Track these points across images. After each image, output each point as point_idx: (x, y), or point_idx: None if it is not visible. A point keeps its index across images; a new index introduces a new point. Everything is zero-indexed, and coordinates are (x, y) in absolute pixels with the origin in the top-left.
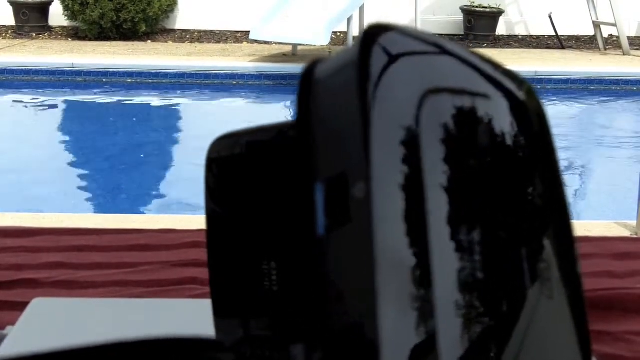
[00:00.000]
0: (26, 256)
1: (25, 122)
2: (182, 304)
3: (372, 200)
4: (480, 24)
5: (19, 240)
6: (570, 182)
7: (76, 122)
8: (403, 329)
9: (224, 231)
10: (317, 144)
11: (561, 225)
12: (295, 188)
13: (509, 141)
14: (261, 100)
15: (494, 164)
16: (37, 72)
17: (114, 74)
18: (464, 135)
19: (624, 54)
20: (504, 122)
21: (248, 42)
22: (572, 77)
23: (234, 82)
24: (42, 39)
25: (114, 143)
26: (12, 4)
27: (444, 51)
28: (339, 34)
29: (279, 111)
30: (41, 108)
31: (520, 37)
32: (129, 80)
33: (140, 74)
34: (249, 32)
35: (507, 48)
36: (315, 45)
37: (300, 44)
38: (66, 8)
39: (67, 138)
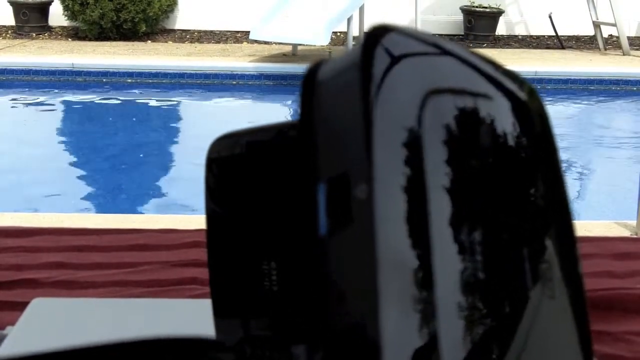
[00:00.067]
0: (26, 256)
1: (25, 122)
2: (182, 304)
3: (374, 201)
4: (480, 24)
5: (18, 240)
6: (571, 182)
7: (76, 122)
8: (405, 329)
9: (224, 231)
10: (320, 145)
11: (563, 225)
12: (295, 188)
13: (510, 142)
14: (261, 100)
15: (495, 165)
16: (37, 72)
17: (114, 74)
18: (465, 136)
19: (623, 54)
20: (505, 122)
21: (248, 42)
22: (572, 77)
23: (234, 82)
24: (42, 39)
25: (113, 143)
26: (12, 4)
27: (445, 52)
28: (339, 34)
29: (279, 111)
30: (41, 108)
31: (520, 37)
32: (129, 80)
33: (140, 74)
34: (249, 32)
35: (507, 48)
36: (315, 45)
37: (300, 44)
38: (66, 8)
39: (67, 138)
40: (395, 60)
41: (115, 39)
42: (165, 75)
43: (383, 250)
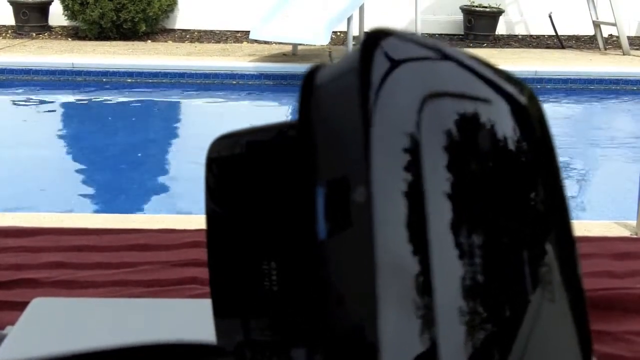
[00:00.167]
0: (26, 256)
1: (25, 122)
2: (182, 304)
3: (373, 204)
4: (480, 24)
5: (19, 240)
6: (570, 182)
7: (76, 121)
8: (404, 333)
9: (224, 231)
10: (319, 149)
11: (562, 228)
12: (295, 188)
13: (509, 146)
14: (261, 100)
15: (494, 169)
16: (37, 72)
17: (114, 74)
18: (464, 140)
19: (624, 54)
20: (504, 126)
21: (248, 42)
22: (572, 77)
23: (234, 82)
24: (42, 38)
25: (113, 143)
26: (12, 3)
27: (444, 56)
28: (339, 33)
29: (279, 111)
30: (41, 108)
31: (520, 36)
32: (129, 80)
33: (140, 74)
34: (249, 32)
35: (507, 48)
36: (315, 45)
37: (300, 44)
38: (66, 8)
39: (67, 138)
40: (393, 64)
41: (115, 39)
42: (165, 75)
43: (382, 253)
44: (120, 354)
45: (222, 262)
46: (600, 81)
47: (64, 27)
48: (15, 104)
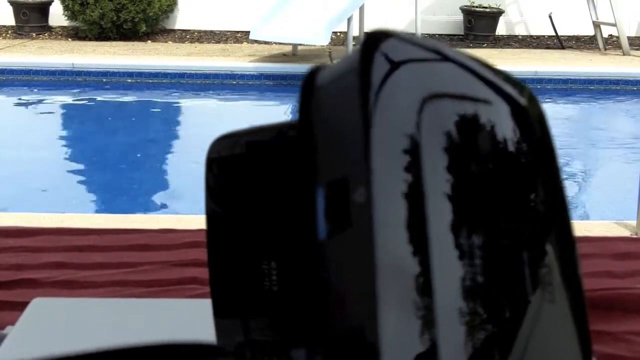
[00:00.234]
0: (26, 256)
1: (25, 122)
2: (182, 304)
3: (373, 205)
4: (480, 24)
5: (19, 240)
6: (570, 182)
7: (76, 122)
8: (404, 333)
9: (224, 231)
10: (319, 149)
11: (562, 229)
12: (295, 189)
13: (509, 147)
14: (261, 100)
15: (494, 170)
16: (37, 72)
17: (114, 74)
18: (464, 141)
19: (624, 54)
20: (504, 128)
21: (248, 42)
22: (572, 77)
23: (234, 82)
24: (42, 39)
25: (113, 143)
26: (12, 4)
27: (444, 57)
28: (339, 34)
29: (279, 111)
30: (41, 108)
31: (520, 37)
32: (129, 80)
33: (140, 74)
34: (249, 32)
35: (507, 48)
36: (315, 45)
37: (300, 44)
38: (66, 8)
39: (67, 138)
40: (393, 65)
41: (115, 39)
42: (165, 75)
43: (382, 254)
44: (120, 354)
45: (222, 262)
46: (601, 81)
47: (64, 27)
48: (15, 104)
